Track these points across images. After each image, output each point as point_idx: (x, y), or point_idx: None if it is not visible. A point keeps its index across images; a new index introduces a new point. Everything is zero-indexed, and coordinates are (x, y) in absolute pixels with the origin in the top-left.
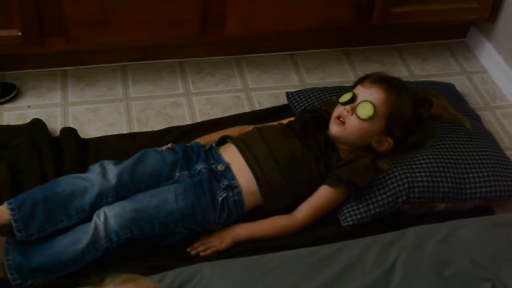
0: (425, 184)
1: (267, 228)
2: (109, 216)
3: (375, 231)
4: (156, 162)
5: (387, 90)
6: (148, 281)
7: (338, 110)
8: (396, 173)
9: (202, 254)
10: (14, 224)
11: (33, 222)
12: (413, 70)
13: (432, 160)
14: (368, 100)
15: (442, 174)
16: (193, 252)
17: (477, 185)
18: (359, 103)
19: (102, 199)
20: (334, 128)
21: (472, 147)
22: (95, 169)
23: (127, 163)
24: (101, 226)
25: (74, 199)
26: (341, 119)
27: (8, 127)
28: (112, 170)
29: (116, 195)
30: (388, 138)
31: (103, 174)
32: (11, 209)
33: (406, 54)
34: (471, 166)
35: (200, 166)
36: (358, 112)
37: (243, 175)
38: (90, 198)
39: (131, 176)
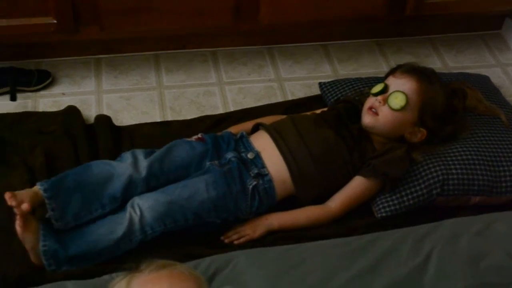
0: (460, 176)
1: (300, 217)
2: (143, 209)
3: (408, 223)
4: (185, 152)
5: (419, 80)
6: (183, 267)
7: (370, 101)
8: (431, 165)
9: (235, 242)
10: (51, 213)
11: (68, 211)
12: (447, 61)
13: (467, 152)
14: (400, 90)
15: (477, 166)
16: (226, 241)
17: None
18: (391, 93)
19: (132, 188)
20: (367, 119)
21: (507, 140)
22: (127, 158)
23: (157, 154)
24: (136, 219)
25: (106, 187)
26: (373, 109)
27: (43, 113)
28: (143, 161)
29: (146, 185)
30: (422, 129)
31: (134, 164)
32: (48, 198)
33: (440, 45)
34: (507, 159)
35: (229, 155)
36: (390, 102)
37: (275, 163)
38: (121, 187)
39: (161, 166)
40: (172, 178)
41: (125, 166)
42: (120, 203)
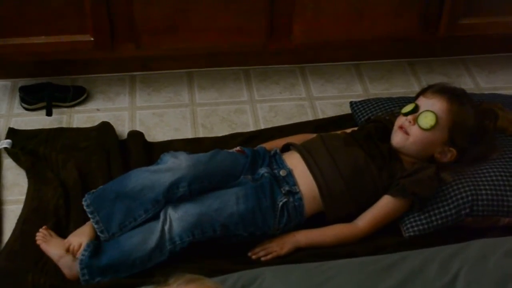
0: (489, 197)
1: (328, 235)
2: (173, 220)
3: (436, 243)
4: (230, 160)
5: (449, 100)
6: (210, 282)
7: (400, 120)
8: (460, 185)
9: (262, 259)
10: (95, 226)
11: (113, 221)
12: (479, 82)
13: (497, 173)
14: (430, 110)
15: (507, 187)
16: (254, 257)
17: None
18: (421, 113)
19: (174, 189)
20: (396, 138)
21: None
22: (167, 159)
23: (201, 156)
24: (166, 229)
25: (147, 192)
26: (403, 129)
27: (78, 129)
28: (184, 160)
29: (188, 185)
30: (452, 149)
31: (175, 164)
32: (91, 212)
33: (472, 66)
34: None
35: (263, 170)
36: (420, 122)
37: (305, 181)
38: (163, 189)
39: (206, 168)
40: (215, 182)
41: (166, 168)
42: (163, 206)
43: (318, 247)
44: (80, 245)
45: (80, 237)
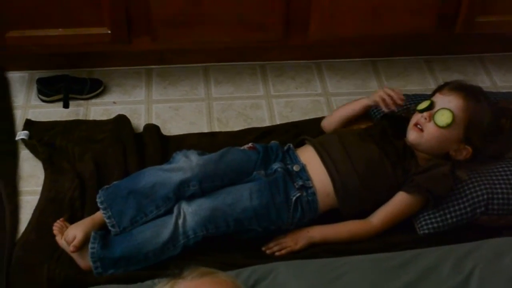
0: (505, 196)
1: (342, 231)
2: (186, 214)
3: (451, 241)
4: (240, 158)
5: (466, 97)
6: (224, 275)
7: (416, 117)
8: (475, 183)
9: (277, 254)
10: (107, 221)
11: (125, 217)
12: (495, 80)
13: None
14: (447, 108)
15: None
16: (268, 252)
17: None
18: (437, 110)
19: (184, 187)
20: (412, 135)
21: None
22: (179, 158)
23: (212, 155)
24: (179, 223)
25: (159, 189)
26: (418, 126)
27: (94, 122)
28: (195, 160)
29: (198, 184)
30: (467, 147)
31: (186, 163)
32: (104, 208)
33: (489, 64)
34: None
35: (276, 165)
36: (436, 119)
37: (319, 176)
38: (173, 187)
39: (216, 168)
40: (226, 181)
41: (177, 167)
42: (174, 203)
43: (332, 243)
44: (74, 237)
45: (75, 230)
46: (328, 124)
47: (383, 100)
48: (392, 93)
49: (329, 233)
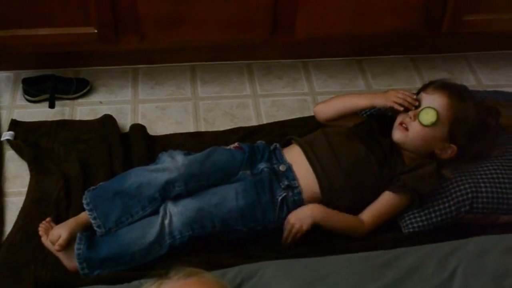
0: (489, 195)
1: (339, 220)
2: (172, 214)
3: (435, 240)
4: (226, 158)
5: (450, 96)
6: (210, 275)
7: (401, 116)
8: (460, 182)
9: (296, 238)
10: (93, 222)
11: (110, 217)
12: (481, 79)
13: (498, 171)
14: (431, 107)
15: (508, 185)
16: (287, 243)
17: None
18: (422, 109)
19: (169, 188)
20: (397, 134)
21: None
22: (165, 159)
23: (197, 156)
24: (165, 223)
25: (145, 189)
26: (403, 125)
27: (80, 122)
28: (181, 160)
29: (184, 184)
30: (452, 145)
31: (171, 163)
32: (90, 210)
33: (475, 63)
34: None
35: (262, 165)
36: (421, 118)
37: (305, 176)
38: (159, 187)
39: (201, 168)
40: (212, 181)
41: (162, 168)
42: (160, 204)
43: (328, 229)
44: (58, 237)
45: (60, 229)
46: (323, 113)
47: (398, 104)
48: (407, 98)
49: (329, 217)
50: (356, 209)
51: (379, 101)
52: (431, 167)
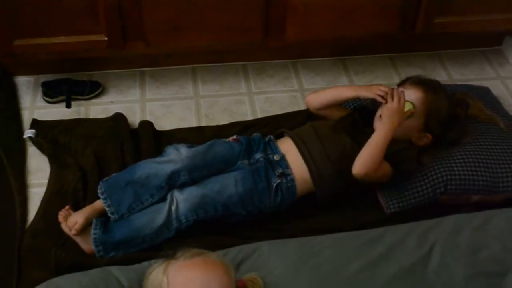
0: (462, 177)
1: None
2: (179, 201)
3: (415, 218)
4: (225, 150)
5: (425, 90)
6: (214, 255)
7: (381, 109)
8: (435, 167)
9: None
10: (107, 209)
11: (123, 205)
12: (452, 74)
13: (469, 156)
14: (408, 100)
15: (478, 168)
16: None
17: (510, 179)
18: None
19: (175, 177)
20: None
21: (505, 145)
22: (170, 151)
23: (199, 148)
24: (172, 209)
25: (153, 179)
26: None
27: (94, 120)
28: (185, 152)
29: (188, 174)
30: (427, 134)
31: (176, 155)
32: (104, 198)
33: (446, 60)
34: (504, 161)
35: (258, 155)
36: None
37: (297, 165)
38: (165, 177)
39: (204, 158)
40: (213, 170)
41: (168, 159)
42: (167, 192)
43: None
44: (75, 223)
45: (77, 216)
46: (314, 102)
47: (380, 96)
48: (387, 90)
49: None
50: (343, 194)
51: (364, 93)
52: (412, 152)
